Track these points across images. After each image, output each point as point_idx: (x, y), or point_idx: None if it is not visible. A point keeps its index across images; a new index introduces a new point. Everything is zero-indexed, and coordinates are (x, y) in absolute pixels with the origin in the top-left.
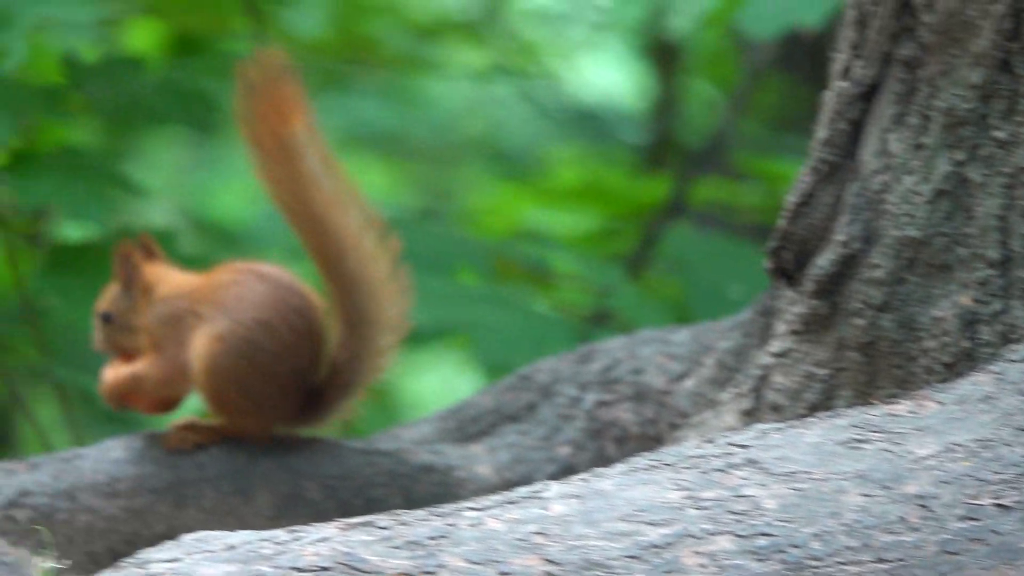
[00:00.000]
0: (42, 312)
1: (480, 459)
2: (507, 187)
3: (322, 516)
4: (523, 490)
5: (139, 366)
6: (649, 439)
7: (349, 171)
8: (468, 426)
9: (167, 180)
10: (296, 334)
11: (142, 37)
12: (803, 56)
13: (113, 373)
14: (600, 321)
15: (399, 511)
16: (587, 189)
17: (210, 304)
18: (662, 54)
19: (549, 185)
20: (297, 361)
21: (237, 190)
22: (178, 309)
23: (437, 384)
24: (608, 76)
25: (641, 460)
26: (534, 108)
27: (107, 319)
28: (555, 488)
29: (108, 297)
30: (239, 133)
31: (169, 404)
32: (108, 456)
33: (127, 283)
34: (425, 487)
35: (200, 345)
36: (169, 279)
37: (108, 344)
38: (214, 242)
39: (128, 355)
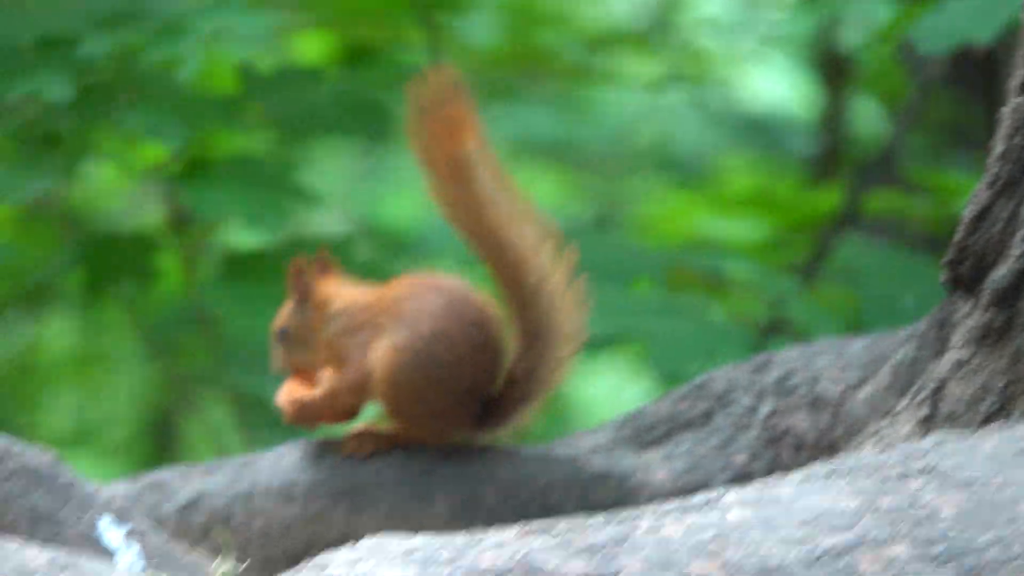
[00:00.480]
0: (215, 319)
1: (656, 466)
2: (679, 195)
3: (499, 521)
4: (700, 497)
5: (329, 381)
6: (824, 448)
7: (521, 183)
8: (644, 434)
9: (339, 188)
10: (473, 346)
11: (313, 47)
12: (973, 70)
13: (298, 393)
14: (774, 330)
15: (577, 516)
16: (758, 198)
17: (389, 316)
18: (831, 66)
19: (721, 193)
20: (474, 373)
21: (408, 198)
22: (358, 321)
23: (607, 390)
24: (777, 86)
25: (818, 468)
26: (705, 116)
27: (283, 336)
28: (732, 495)
29: (284, 314)
30: (411, 150)
31: (352, 413)
32: (284, 461)
33: (302, 299)
34: (602, 494)
35: (380, 355)
36: (345, 293)
37: (285, 362)
38: (386, 250)
39: (303, 373)
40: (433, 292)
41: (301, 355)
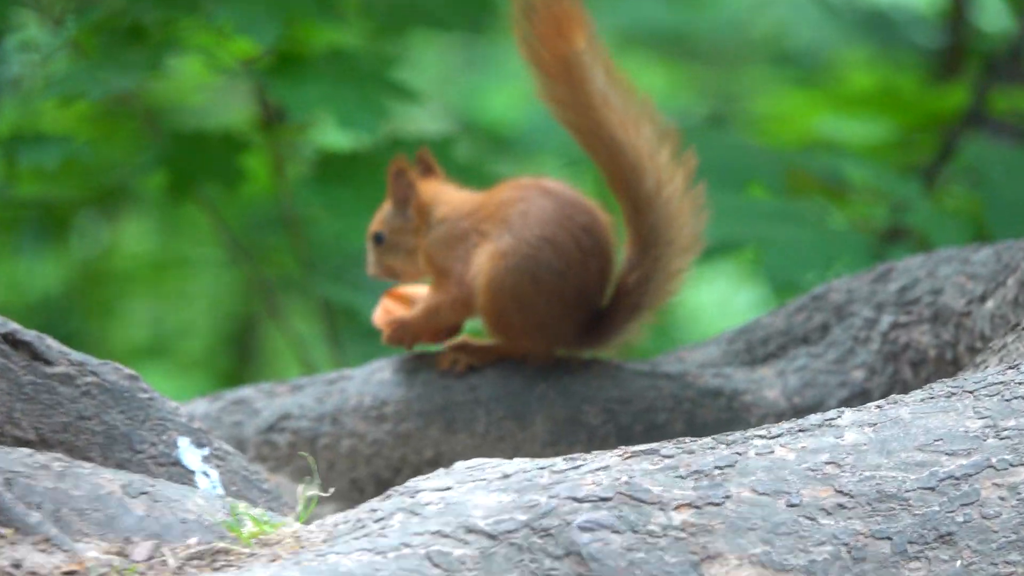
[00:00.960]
0: (305, 223)
1: (769, 383)
2: (796, 93)
3: (601, 442)
4: (815, 417)
5: (429, 298)
6: (947, 363)
7: (631, 77)
8: (757, 348)
9: (437, 84)
10: (583, 253)
11: None
12: None
13: (396, 312)
14: (895, 238)
15: (683, 438)
16: (880, 96)
17: (493, 222)
18: None
19: (840, 91)
20: (583, 281)
21: (510, 92)
22: (460, 229)
23: (718, 300)
24: None
25: (940, 387)
26: (823, 7)
27: (379, 240)
28: (848, 415)
29: (381, 217)
30: (517, 48)
31: (453, 331)
32: (375, 378)
33: (402, 202)
34: (710, 412)
35: (482, 262)
36: (448, 197)
37: (380, 268)
38: (489, 149)
39: (400, 281)
40: (540, 196)
41: (398, 261)
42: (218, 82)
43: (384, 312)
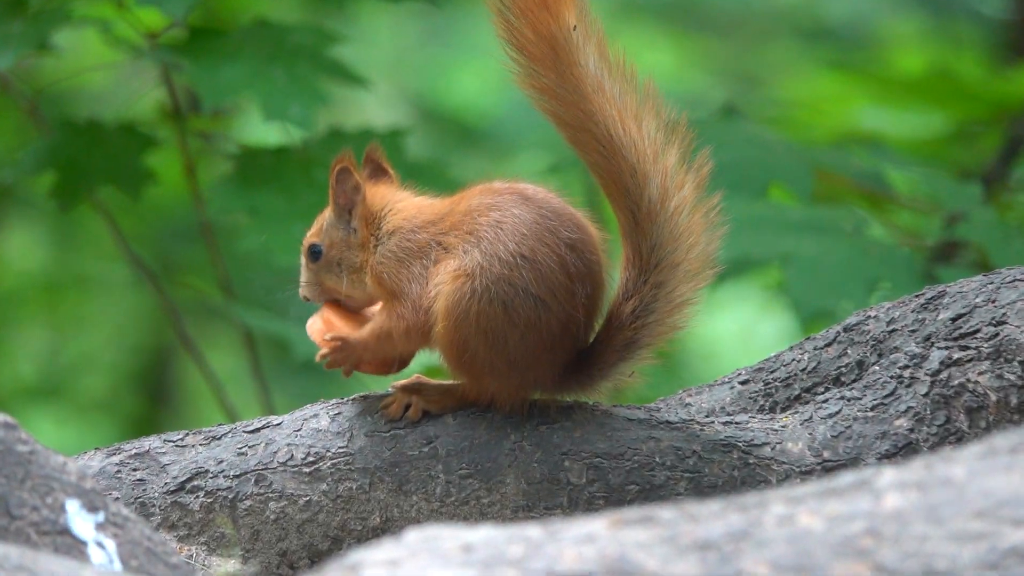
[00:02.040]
0: (226, 235)
1: (792, 434)
2: (830, 76)
3: (586, 506)
4: (848, 477)
5: (380, 319)
6: (1011, 410)
7: (630, 58)
8: (777, 390)
9: (389, 63)
10: (568, 275)
11: None
12: None
13: (338, 326)
14: (948, 255)
15: (687, 502)
16: (933, 81)
17: (459, 234)
18: None
19: (884, 74)
20: (567, 310)
21: (479, 71)
22: (417, 242)
23: (734, 328)
24: None
25: (1003, 439)
26: None
27: (316, 255)
28: (889, 475)
29: (319, 228)
30: (491, 23)
31: (402, 363)
32: (308, 425)
33: (345, 209)
34: (720, 469)
35: (444, 282)
36: (403, 204)
37: (317, 289)
38: (453, 143)
39: (338, 302)
40: (517, 204)
41: (340, 281)
42: (118, 62)
43: (323, 323)
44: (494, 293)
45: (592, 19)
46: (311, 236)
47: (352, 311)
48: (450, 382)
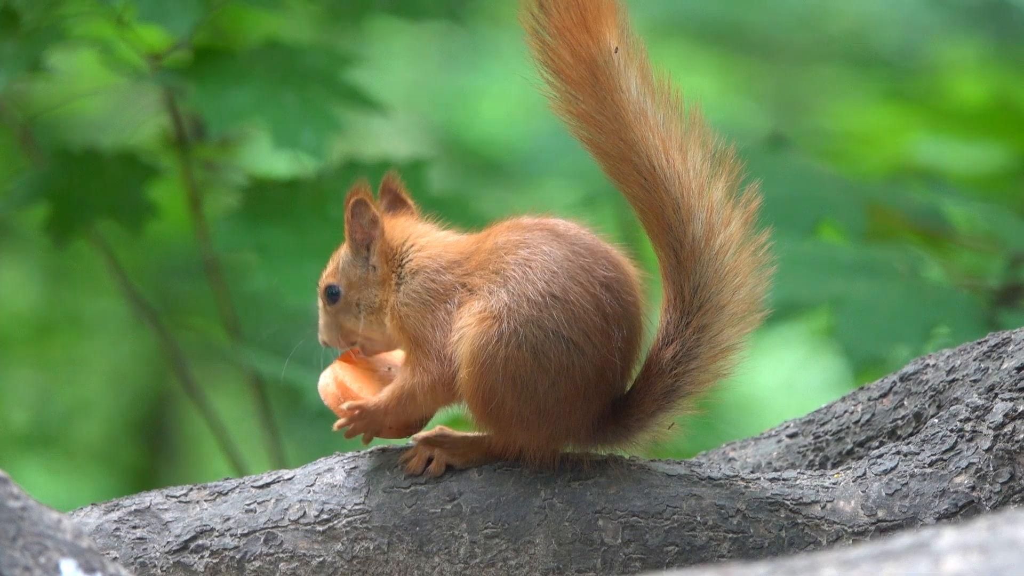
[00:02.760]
0: (233, 273)
1: (844, 491)
2: (884, 106)
3: (622, 568)
4: (905, 538)
5: (404, 380)
6: None
7: (675, 83)
8: (828, 444)
9: (407, 88)
10: (604, 317)
11: None
12: None
13: (354, 390)
14: (1013, 298)
15: (730, 564)
16: (995, 111)
17: (485, 273)
18: None
19: (942, 104)
20: (603, 355)
21: (505, 98)
22: (442, 283)
23: (781, 378)
24: None
25: None
26: None
27: (334, 296)
28: (949, 536)
29: (335, 267)
30: (526, 46)
31: (426, 419)
32: (321, 480)
33: (362, 245)
34: (767, 529)
35: (468, 325)
36: (425, 240)
37: (335, 333)
38: (476, 175)
39: (362, 347)
40: (547, 240)
41: (359, 323)
42: (117, 85)
43: (337, 387)
44: (523, 336)
45: (634, 40)
46: (328, 276)
47: (366, 361)
48: (475, 434)
